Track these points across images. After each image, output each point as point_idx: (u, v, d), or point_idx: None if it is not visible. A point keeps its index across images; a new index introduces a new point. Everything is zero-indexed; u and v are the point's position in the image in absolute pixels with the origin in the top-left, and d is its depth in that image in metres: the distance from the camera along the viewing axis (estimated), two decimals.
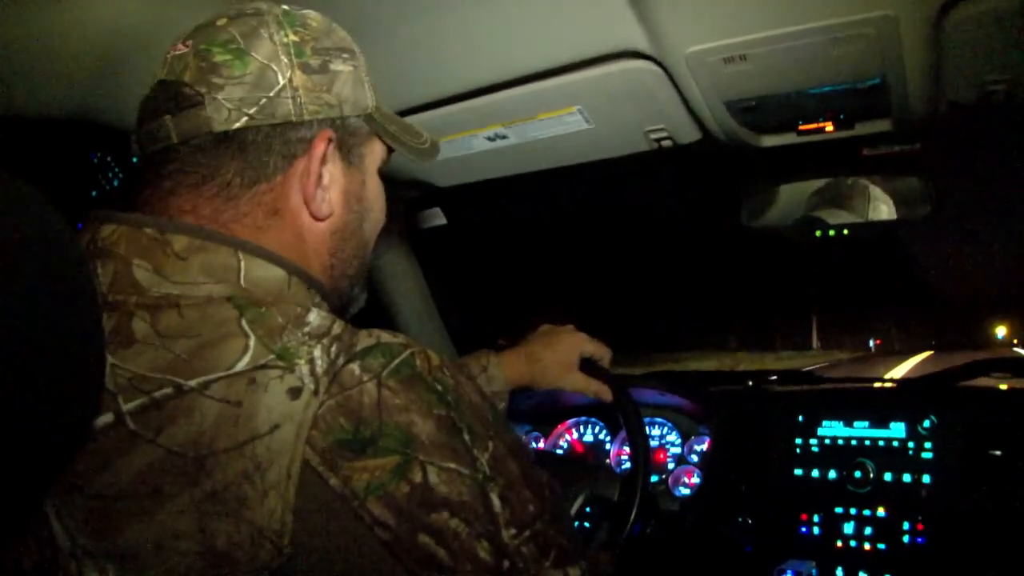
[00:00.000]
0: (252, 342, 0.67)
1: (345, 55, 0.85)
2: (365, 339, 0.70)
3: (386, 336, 0.72)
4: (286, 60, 0.79)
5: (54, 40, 1.09)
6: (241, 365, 0.66)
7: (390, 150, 0.92)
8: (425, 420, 0.68)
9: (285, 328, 0.69)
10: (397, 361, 0.69)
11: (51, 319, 0.57)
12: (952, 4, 1.05)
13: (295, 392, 0.65)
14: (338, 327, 0.71)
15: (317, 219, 0.84)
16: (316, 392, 0.65)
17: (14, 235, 0.54)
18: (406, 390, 0.68)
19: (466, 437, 0.70)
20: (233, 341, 0.67)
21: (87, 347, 0.62)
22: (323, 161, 0.82)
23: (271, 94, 0.78)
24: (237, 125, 0.78)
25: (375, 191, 0.92)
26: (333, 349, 0.68)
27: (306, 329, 0.69)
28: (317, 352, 0.67)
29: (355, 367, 0.67)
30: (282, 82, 0.79)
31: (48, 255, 0.58)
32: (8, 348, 0.52)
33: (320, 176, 0.83)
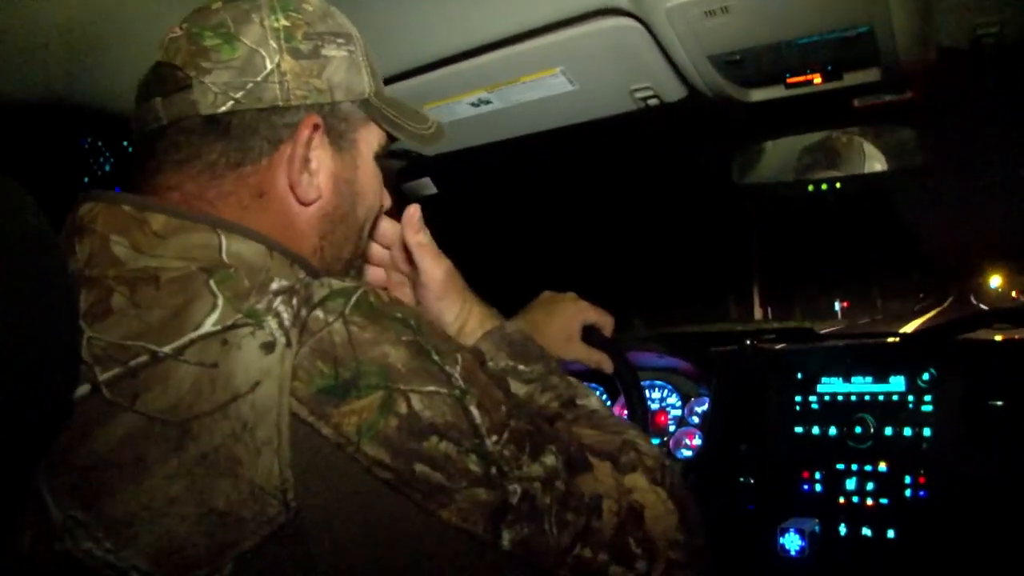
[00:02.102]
0: (220, 301, 0.68)
1: (340, 40, 0.85)
2: (319, 289, 0.71)
3: (335, 282, 0.72)
4: (275, 45, 0.80)
5: (35, 22, 1.08)
6: (209, 323, 0.66)
7: (391, 137, 0.93)
8: (396, 348, 0.69)
9: (251, 291, 0.69)
10: (355, 298, 0.70)
11: (21, 299, 0.57)
12: None
13: (269, 347, 0.66)
14: (296, 285, 0.72)
15: (304, 203, 0.84)
16: (289, 344, 0.66)
17: None
18: (371, 323, 0.69)
19: (435, 357, 0.71)
20: (200, 301, 0.68)
21: (60, 323, 0.62)
22: (309, 146, 0.83)
23: (258, 79, 0.79)
24: (223, 109, 0.79)
25: (369, 176, 0.92)
26: (294, 301, 0.69)
27: (271, 290, 0.70)
28: (281, 307, 0.68)
29: (319, 312, 0.68)
30: (270, 67, 0.79)
31: (15, 236, 0.58)
32: None
33: (307, 161, 0.83)
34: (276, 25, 0.80)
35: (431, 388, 0.69)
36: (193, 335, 0.66)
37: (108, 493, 0.63)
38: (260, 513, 0.63)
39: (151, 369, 0.65)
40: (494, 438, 0.72)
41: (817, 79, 1.34)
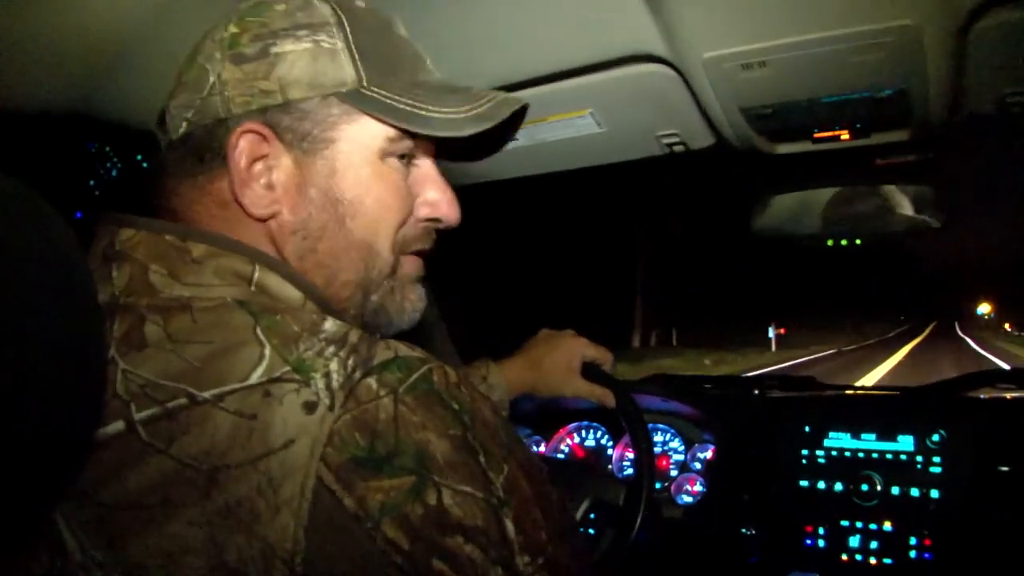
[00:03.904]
0: (267, 351, 0.65)
1: (302, 31, 0.76)
2: (383, 351, 0.67)
3: (404, 349, 0.68)
4: (218, 55, 0.75)
5: (54, 35, 1.07)
6: (256, 376, 0.63)
7: (406, 131, 0.79)
8: (441, 439, 0.65)
9: (300, 336, 0.66)
10: (415, 376, 0.66)
11: (50, 323, 0.55)
12: (977, 14, 1.03)
13: (310, 406, 0.62)
14: (354, 336, 0.68)
15: (257, 219, 0.77)
16: (332, 407, 0.63)
17: (9, 236, 0.52)
18: (423, 407, 0.65)
19: (481, 459, 0.67)
20: (247, 350, 0.65)
21: (88, 351, 0.60)
22: (249, 155, 0.75)
23: (204, 94, 0.75)
24: (181, 131, 0.77)
25: (363, 180, 0.79)
26: (350, 362, 0.65)
27: (322, 336, 0.67)
28: (333, 365, 0.65)
29: (372, 381, 0.64)
30: (211, 80, 0.75)
31: (47, 257, 0.56)
32: (6, 353, 0.50)
33: (248, 171, 0.75)
34: (224, 35, 0.76)
35: (467, 488, 0.65)
36: (237, 385, 0.63)
37: (132, 536, 0.61)
38: (264, 574, 0.60)
39: (189, 412, 0.62)
40: (526, 558, 0.66)
41: (844, 135, 1.35)
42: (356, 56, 0.77)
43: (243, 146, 0.74)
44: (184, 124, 0.76)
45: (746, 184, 1.68)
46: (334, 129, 0.76)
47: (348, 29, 0.77)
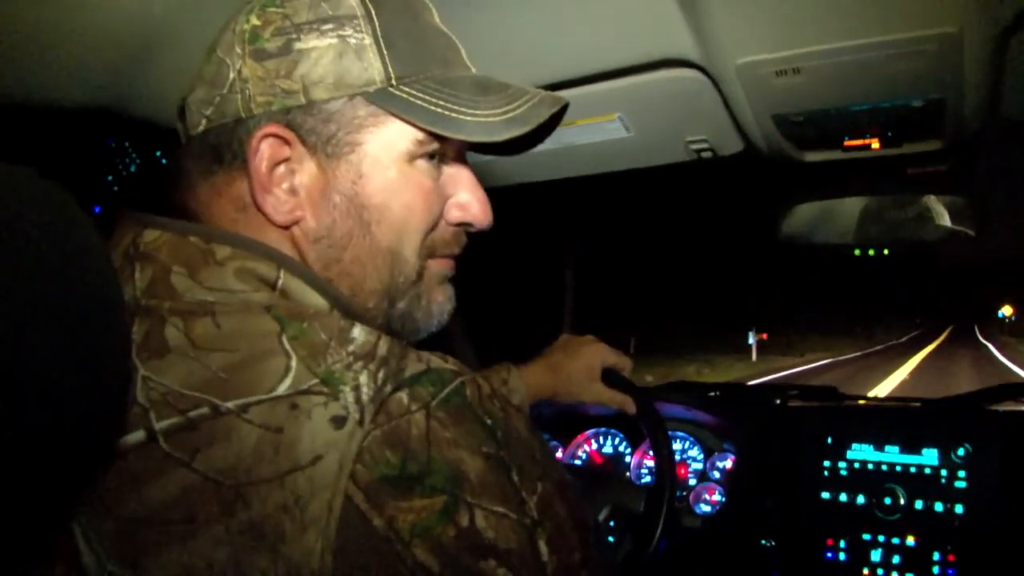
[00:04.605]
0: (294, 362, 0.62)
1: (328, 25, 0.72)
2: (414, 364, 0.65)
3: (436, 361, 0.66)
4: (239, 50, 0.72)
5: (77, 28, 1.06)
6: (282, 388, 0.61)
7: (435, 135, 0.75)
8: (474, 457, 0.63)
9: (328, 346, 0.64)
10: (448, 390, 0.64)
11: (74, 324, 0.53)
12: (1019, 22, 1.01)
13: (339, 421, 0.60)
14: (384, 346, 0.66)
15: (280, 225, 0.74)
16: (361, 422, 0.60)
17: (32, 232, 0.50)
18: (456, 423, 0.63)
19: (515, 477, 0.65)
20: (273, 360, 0.62)
21: (113, 356, 0.58)
22: (270, 160, 0.72)
23: (224, 91, 0.72)
24: (200, 128, 0.74)
25: (391, 184, 0.75)
26: (380, 374, 0.63)
27: (351, 348, 0.64)
28: (363, 378, 0.62)
29: (403, 396, 0.62)
30: (232, 76, 0.72)
31: (71, 255, 0.54)
32: (29, 355, 0.49)
33: (270, 177, 0.72)
34: (244, 27, 0.72)
35: (500, 509, 0.62)
36: (263, 397, 0.61)
37: (154, 552, 0.58)
38: None
39: (212, 423, 0.60)
40: None
41: (875, 144, 1.33)
42: (384, 52, 0.73)
43: (264, 150, 0.71)
44: (203, 121, 0.73)
45: (770, 191, 1.65)
46: (360, 132, 0.73)
47: (376, 22, 0.73)
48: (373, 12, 0.73)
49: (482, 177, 1.68)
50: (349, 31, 0.72)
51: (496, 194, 0.88)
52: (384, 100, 0.72)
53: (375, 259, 0.76)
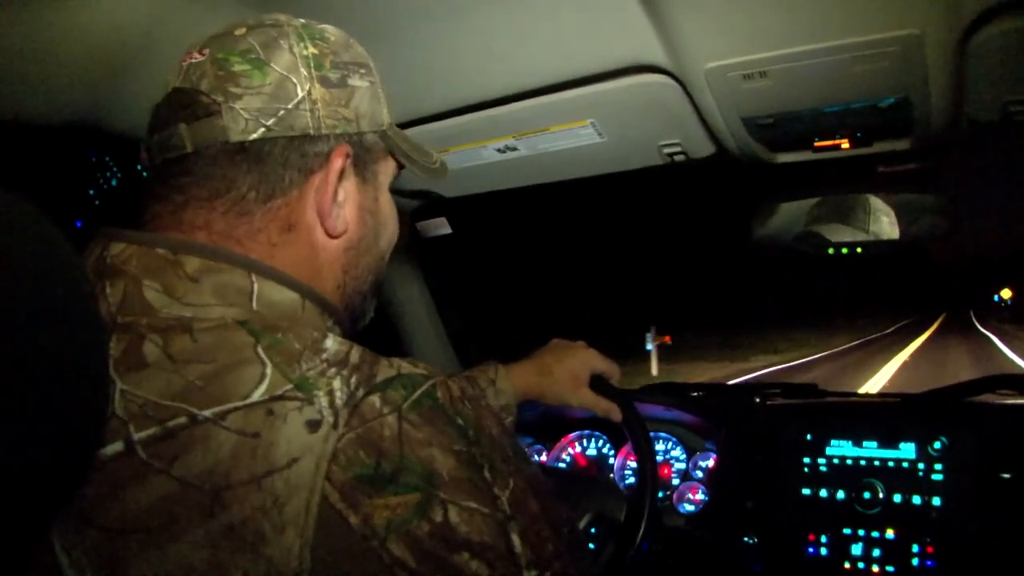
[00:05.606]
0: (269, 370, 0.65)
1: (362, 70, 0.84)
2: (386, 369, 0.68)
3: (407, 366, 0.69)
4: (305, 72, 0.78)
5: (56, 44, 1.07)
6: (258, 394, 0.63)
7: (400, 167, 0.92)
8: (446, 456, 0.65)
9: (302, 354, 0.66)
10: (418, 393, 0.67)
11: (52, 340, 0.54)
12: (979, 23, 1.03)
13: (314, 425, 0.62)
14: (356, 355, 0.69)
15: (332, 236, 0.82)
16: (335, 425, 0.63)
17: (10, 252, 0.52)
18: (427, 424, 0.66)
19: (487, 474, 0.67)
20: (249, 368, 0.65)
21: (90, 369, 0.59)
22: (340, 177, 0.81)
23: (290, 106, 0.76)
24: (254, 136, 0.76)
25: (388, 207, 0.91)
26: (353, 380, 0.66)
27: (324, 356, 0.67)
28: (336, 383, 0.65)
29: (375, 399, 0.65)
30: (301, 94, 0.77)
31: (48, 273, 0.55)
32: (7, 370, 0.49)
33: (336, 192, 0.81)
34: (306, 53, 0.78)
35: (473, 504, 0.65)
36: (239, 403, 0.63)
37: (133, 559, 0.60)
38: None
39: (190, 431, 0.62)
40: (533, 573, 0.66)
41: (845, 144, 1.35)
42: (386, 101, 0.87)
43: (341, 164, 0.80)
44: (261, 130, 0.76)
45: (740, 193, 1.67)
46: (377, 163, 0.87)
47: (377, 74, 0.86)
48: (373, 67, 0.87)
49: (459, 186, 1.70)
50: (374, 79, 0.85)
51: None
52: (387, 140, 0.87)
53: (374, 265, 0.90)
